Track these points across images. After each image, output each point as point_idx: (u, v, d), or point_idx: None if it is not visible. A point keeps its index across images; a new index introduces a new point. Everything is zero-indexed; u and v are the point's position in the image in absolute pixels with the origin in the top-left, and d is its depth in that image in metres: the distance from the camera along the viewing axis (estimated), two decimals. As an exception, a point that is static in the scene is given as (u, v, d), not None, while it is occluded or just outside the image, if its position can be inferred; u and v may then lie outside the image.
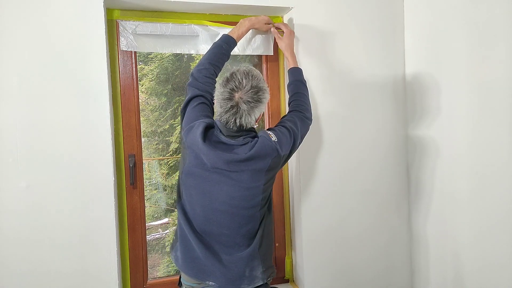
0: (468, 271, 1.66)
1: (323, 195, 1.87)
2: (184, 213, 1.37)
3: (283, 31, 1.75)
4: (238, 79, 1.28)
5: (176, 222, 1.44)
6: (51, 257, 1.53)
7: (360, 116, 1.92)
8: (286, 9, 1.84)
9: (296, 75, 1.63)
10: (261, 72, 1.98)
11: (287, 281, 1.98)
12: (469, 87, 1.61)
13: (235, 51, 1.84)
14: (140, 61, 1.86)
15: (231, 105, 1.27)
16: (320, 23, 1.85)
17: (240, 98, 1.27)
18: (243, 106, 1.27)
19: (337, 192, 1.89)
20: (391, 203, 1.99)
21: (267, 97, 1.33)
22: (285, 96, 1.94)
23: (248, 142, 1.30)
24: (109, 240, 1.58)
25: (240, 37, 1.62)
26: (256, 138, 1.32)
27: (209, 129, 1.32)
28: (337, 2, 1.87)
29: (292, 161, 1.91)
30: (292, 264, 1.98)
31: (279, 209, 1.98)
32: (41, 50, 1.50)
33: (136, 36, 1.68)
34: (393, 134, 1.98)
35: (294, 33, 1.79)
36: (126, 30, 1.66)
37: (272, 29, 1.76)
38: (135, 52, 1.73)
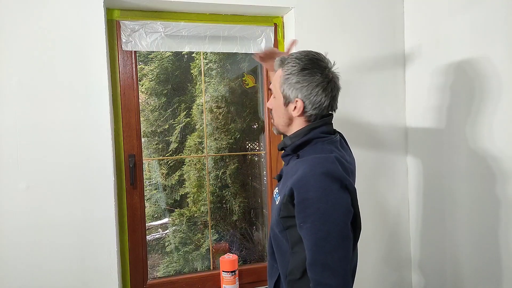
0: (468, 270, 1.66)
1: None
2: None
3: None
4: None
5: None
6: (50, 258, 1.53)
7: (360, 115, 1.92)
8: (286, 9, 1.83)
9: None
10: (261, 71, 1.98)
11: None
12: (469, 86, 1.61)
13: (235, 49, 1.85)
14: (140, 61, 1.86)
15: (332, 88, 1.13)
16: (320, 23, 1.85)
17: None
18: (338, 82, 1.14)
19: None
20: (391, 202, 1.99)
21: None
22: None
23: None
24: (109, 240, 1.58)
25: None
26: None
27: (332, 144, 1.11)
28: (337, 2, 1.87)
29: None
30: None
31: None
32: (41, 50, 1.50)
33: (136, 36, 1.68)
34: (392, 134, 1.98)
35: None
36: (127, 30, 1.66)
37: None
38: (135, 52, 1.73)
